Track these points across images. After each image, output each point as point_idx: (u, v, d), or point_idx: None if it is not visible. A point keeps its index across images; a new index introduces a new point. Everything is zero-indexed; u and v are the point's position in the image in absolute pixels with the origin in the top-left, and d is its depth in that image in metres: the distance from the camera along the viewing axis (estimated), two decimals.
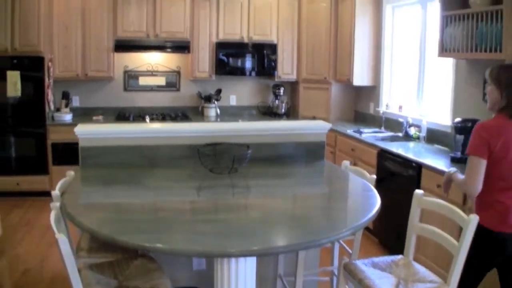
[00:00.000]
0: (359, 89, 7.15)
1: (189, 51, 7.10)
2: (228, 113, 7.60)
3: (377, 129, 6.38)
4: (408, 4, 6.18)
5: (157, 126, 4.32)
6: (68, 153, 6.48)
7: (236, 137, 3.87)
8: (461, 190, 3.28)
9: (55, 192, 3.09)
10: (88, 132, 3.79)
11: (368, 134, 6.04)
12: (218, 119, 7.22)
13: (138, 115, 7.08)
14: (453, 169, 3.21)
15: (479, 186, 2.87)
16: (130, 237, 2.31)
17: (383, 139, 5.81)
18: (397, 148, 5.08)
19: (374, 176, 3.48)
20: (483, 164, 2.85)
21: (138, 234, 2.37)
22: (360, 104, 7.28)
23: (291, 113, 7.68)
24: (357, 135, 5.94)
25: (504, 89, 2.85)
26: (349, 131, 6.17)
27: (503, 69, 2.92)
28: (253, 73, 7.35)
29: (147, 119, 4.90)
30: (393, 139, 5.84)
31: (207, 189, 3.39)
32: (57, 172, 6.53)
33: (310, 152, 4.11)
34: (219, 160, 3.59)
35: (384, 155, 5.17)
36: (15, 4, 6.26)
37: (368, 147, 5.55)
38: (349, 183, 3.59)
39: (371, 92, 6.94)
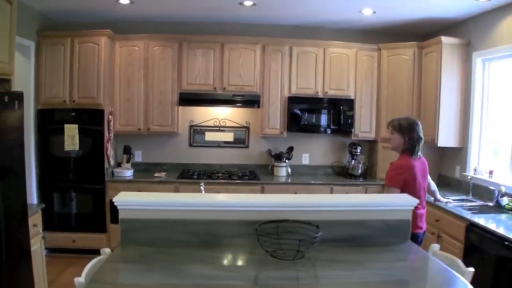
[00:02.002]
0: (444, 150, 6.30)
1: (259, 106, 6.48)
2: (300, 173, 6.87)
3: (464, 197, 5.51)
4: (501, 58, 5.37)
5: (209, 197, 3.58)
6: None
7: (302, 213, 3.14)
8: None
9: (79, 280, 2.48)
10: (129, 203, 3.16)
11: (454, 202, 5.18)
12: (289, 179, 6.49)
13: (203, 172, 6.50)
14: None
15: None
16: None
17: (471, 209, 4.98)
18: (495, 224, 4.20)
19: (472, 269, 2.69)
20: (397, 192, 3.86)
21: None
22: (444, 167, 6.39)
23: (369, 174, 6.83)
24: (441, 203, 5.09)
25: (406, 135, 3.98)
26: (433, 199, 5.31)
27: (402, 120, 4.07)
28: (328, 131, 6.60)
29: (202, 188, 4.20)
30: (482, 209, 5.01)
31: (266, 281, 2.65)
32: (115, 231, 5.98)
33: (392, 233, 3.28)
34: (282, 241, 2.86)
35: (472, 229, 4.35)
36: (74, 54, 5.91)
37: (454, 218, 4.70)
38: (440, 279, 2.73)
39: (457, 154, 6.09)
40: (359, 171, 6.61)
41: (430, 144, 6.06)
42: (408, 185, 3.90)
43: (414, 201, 3.39)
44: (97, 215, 6.07)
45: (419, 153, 4.08)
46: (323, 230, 2.91)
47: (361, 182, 6.43)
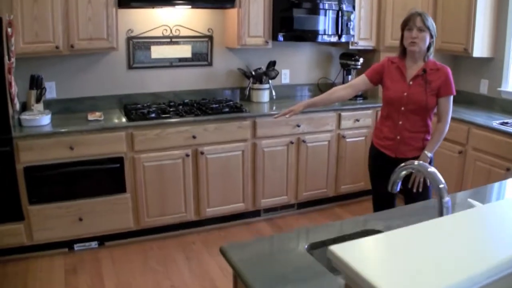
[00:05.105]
0: (459, 60, 4.69)
1: (233, 5, 4.11)
2: (281, 96, 4.70)
3: None
4: None
5: None
6: (53, 183, 3.48)
7: None
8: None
9: None
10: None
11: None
12: (275, 107, 4.36)
13: (159, 108, 4.03)
14: None
15: None
16: None
17: None
18: None
19: None
20: None
21: None
22: (460, 81, 4.71)
23: (369, 93, 4.86)
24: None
25: (433, 36, 2.79)
26: (495, 124, 3.73)
27: (430, 19, 2.81)
28: (326, 38, 4.44)
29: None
30: None
31: None
32: (37, 216, 3.46)
33: None
34: None
35: None
36: None
37: None
38: None
39: (483, 65, 4.52)
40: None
41: (463, 54, 4.37)
42: None
43: None
44: (6, 194, 3.39)
45: None
46: None
47: (372, 105, 4.54)
